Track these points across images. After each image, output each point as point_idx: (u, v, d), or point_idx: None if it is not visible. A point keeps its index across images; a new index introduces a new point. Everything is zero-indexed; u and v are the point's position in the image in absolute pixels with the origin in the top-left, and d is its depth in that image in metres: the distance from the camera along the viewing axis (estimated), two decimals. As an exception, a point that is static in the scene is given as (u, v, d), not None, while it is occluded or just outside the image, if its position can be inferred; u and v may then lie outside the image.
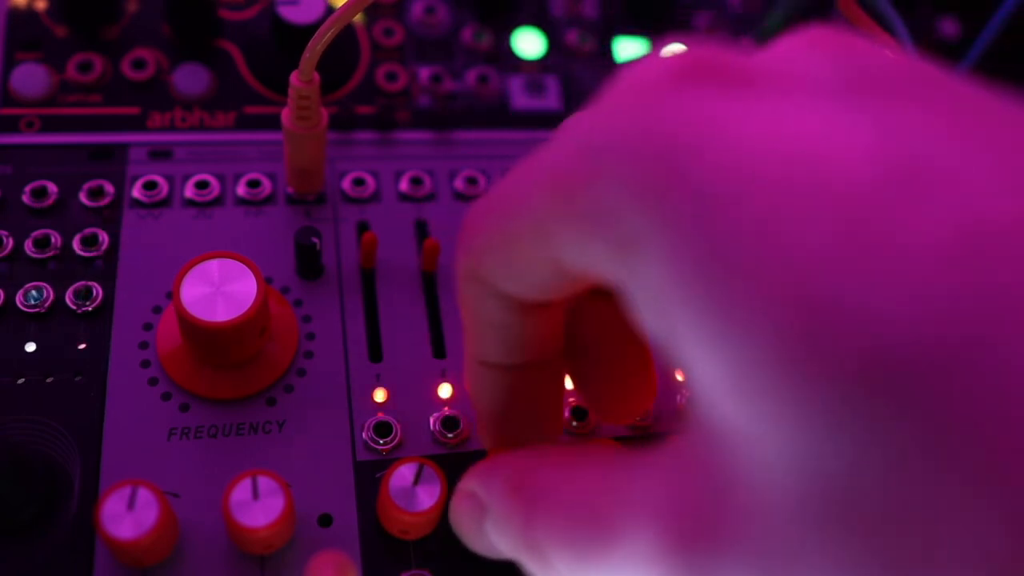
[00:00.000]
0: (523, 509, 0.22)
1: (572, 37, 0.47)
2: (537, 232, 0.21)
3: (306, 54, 0.31)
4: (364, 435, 0.32)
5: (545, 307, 0.24)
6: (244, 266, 0.31)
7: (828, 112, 0.16)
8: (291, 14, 0.39)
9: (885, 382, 0.14)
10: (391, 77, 0.43)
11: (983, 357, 0.13)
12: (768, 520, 0.15)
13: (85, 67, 0.40)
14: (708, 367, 0.16)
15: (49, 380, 0.32)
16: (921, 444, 0.13)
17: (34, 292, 0.33)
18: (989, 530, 0.13)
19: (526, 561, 0.23)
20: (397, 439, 0.33)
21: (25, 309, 0.33)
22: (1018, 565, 0.13)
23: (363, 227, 0.38)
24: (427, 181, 0.40)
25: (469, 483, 0.26)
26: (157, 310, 0.34)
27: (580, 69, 0.46)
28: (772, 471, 0.15)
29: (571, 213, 0.19)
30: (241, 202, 0.38)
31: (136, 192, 0.37)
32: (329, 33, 0.30)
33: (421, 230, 0.39)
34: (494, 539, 0.24)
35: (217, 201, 0.38)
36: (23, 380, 0.32)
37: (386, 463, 0.32)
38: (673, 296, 0.16)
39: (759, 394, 0.15)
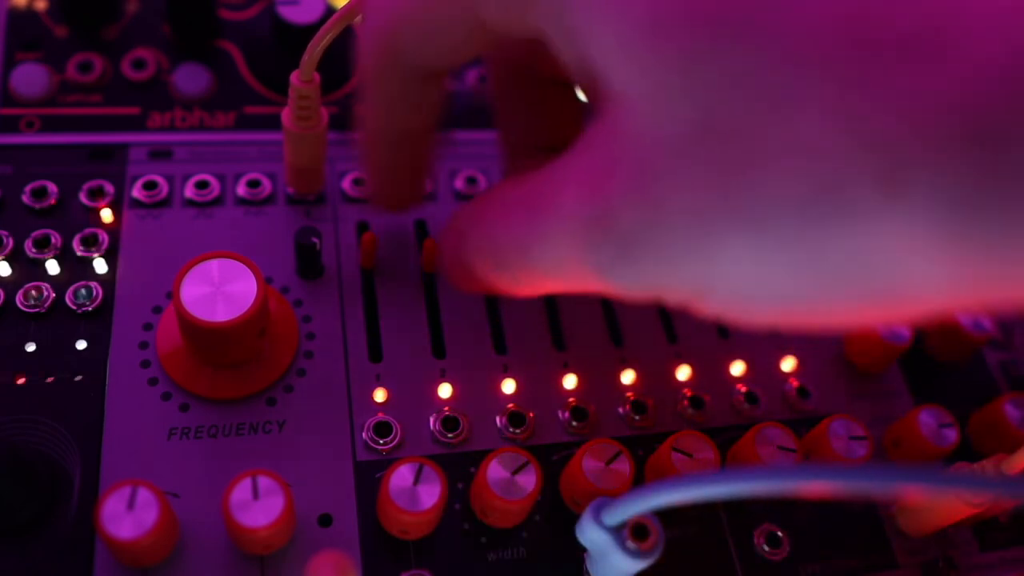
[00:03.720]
0: (493, 213, 0.27)
1: (572, 37, 0.47)
2: None
3: (307, 55, 0.31)
4: (364, 435, 0.32)
5: (440, 76, 0.30)
6: (244, 266, 0.31)
7: None
8: (291, 14, 0.39)
9: (722, 24, 0.18)
10: (391, 77, 0.43)
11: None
12: (646, 152, 0.20)
13: (85, 67, 0.40)
14: (606, 47, 0.21)
15: (49, 380, 0.32)
16: (753, 71, 0.18)
17: (34, 292, 0.33)
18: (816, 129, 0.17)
19: (493, 267, 0.27)
20: (397, 439, 0.33)
21: (25, 309, 0.33)
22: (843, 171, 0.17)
23: (363, 227, 0.38)
24: (427, 181, 0.40)
25: (454, 221, 0.30)
26: (157, 310, 0.34)
27: (580, 69, 0.46)
28: (649, 116, 0.20)
29: None
30: (241, 202, 0.38)
31: (136, 192, 0.37)
32: (330, 34, 0.30)
33: (421, 230, 0.39)
34: (470, 259, 0.28)
35: (217, 201, 0.38)
36: (23, 380, 0.32)
37: (386, 463, 0.32)
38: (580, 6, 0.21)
39: (641, 51, 0.20)
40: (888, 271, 0.18)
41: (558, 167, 0.23)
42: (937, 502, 0.32)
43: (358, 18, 0.30)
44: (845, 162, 0.17)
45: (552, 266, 0.24)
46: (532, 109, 0.33)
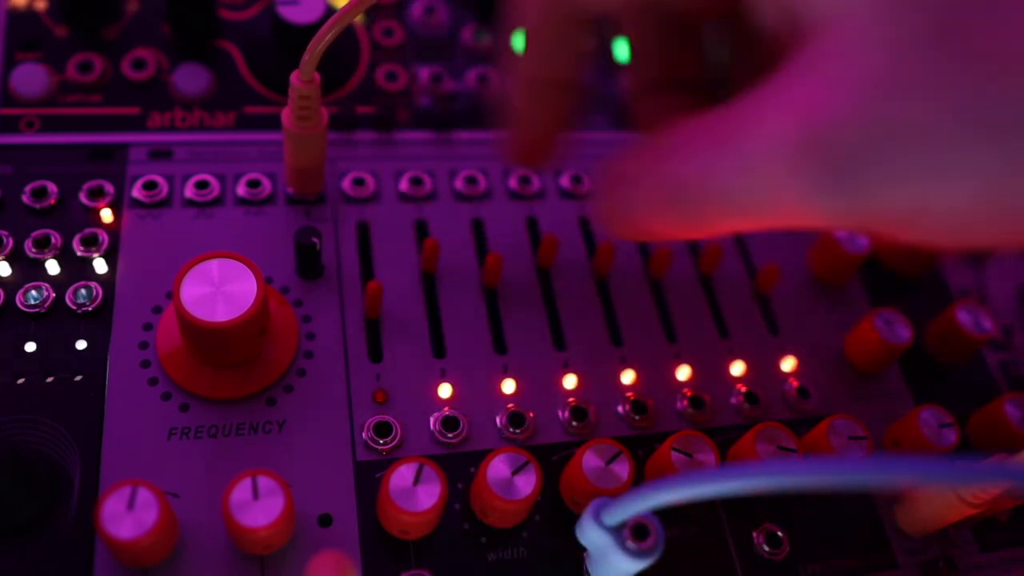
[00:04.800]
0: (670, 151, 0.25)
1: (572, 37, 0.47)
2: None
3: (307, 54, 0.31)
4: (364, 435, 0.32)
5: (592, 23, 0.30)
6: (244, 266, 0.31)
7: None
8: (291, 14, 0.39)
9: None
10: (391, 77, 0.43)
11: None
12: (874, 70, 0.19)
13: (85, 67, 0.40)
14: None
15: (49, 380, 0.32)
16: None
17: (34, 292, 0.33)
18: None
19: (670, 207, 0.26)
20: (397, 439, 0.33)
21: (25, 309, 0.33)
22: None
23: (363, 228, 0.38)
24: (427, 181, 0.40)
25: (615, 167, 0.29)
26: (157, 310, 0.34)
27: (580, 69, 0.46)
28: (872, 32, 0.19)
29: None
30: (241, 202, 0.38)
31: (136, 192, 0.37)
32: (331, 34, 0.30)
33: (421, 230, 0.39)
34: (640, 202, 0.27)
35: (217, 201, 0.38)
36: (23, 380, 0.32)
37: (386, 463, 0.32)
38: None
39: None
40: None
41: (757, 95, 0.23)
42: (937, 501, 0.32)
43: (358, 18, 0.30)
44: None
45: (749, 197, 0.23)
46: (677, 44, 0.32)
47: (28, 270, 0.34)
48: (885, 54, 0.19)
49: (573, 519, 0.28)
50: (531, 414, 0.34)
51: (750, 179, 0.23)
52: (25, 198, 0.36)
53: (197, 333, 0.30)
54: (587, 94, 0.35)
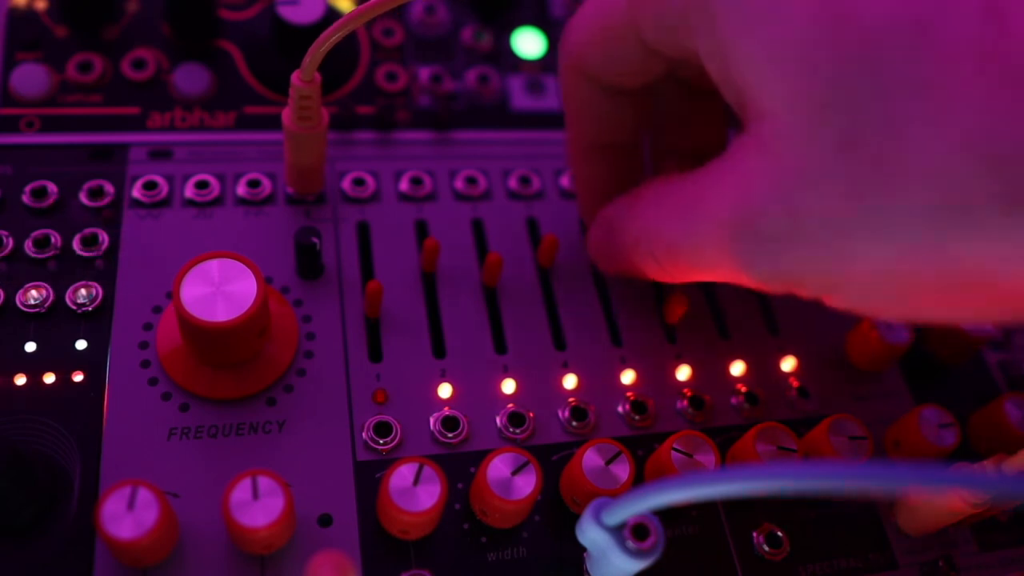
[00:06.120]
0: (632, 216, 0.31)
1: (572, 37, 0.47)
2: (627, 21, 0.29)
3: (309, 55, 0.31)
4: (364, 435, 0.32)
5: (632, 95, 0.33)
6: (244, 266, 0.31)
7: None
8: (291, 14, 0.39)
9: (864, 55, 0.21)
10: (391, 77, 0.43)
11: (931, 34, 0.20)
12: (789, 166, 0.23)
13: (85, 67, 0.40)
14: (755, 64, 0.23)
15: (49, 380, 0.32)
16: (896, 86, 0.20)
17: (34, 292, 0.33)
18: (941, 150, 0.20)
19: (636, 255, 0.31)
20: (397, 439, 0.33)
21: (25, 309, 0.33)
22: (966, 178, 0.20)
23: (363, 228, 0.38)
24: (427, 181, 0.40)
25: (604, 214, 0.34)
26: (157, 310, 0.34)
27: (580, 69, 0.46)
28: (793, 133, 0.22)
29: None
30: (241, 202, 0.38)
31: (136, 192, 0.37)
32: (337, 35, 0.29)
33: (421, 230, 0.39)
34: (614, 251, 0.33)
35: (217, 201, 0.38)
36: (23, 380, 0.32)
37: (386, 463, 0.32)
38: (731, 22, 0.23)
39: (790, 70, 0.22)
40: (1003, 272, 0.21)
41: (707, 174, 0.26)
42: (937, 502, 0.32)
43: (364, 22, 0.30)
44: (972, 182, 0.20)
45: (698, 258, 0.27)
46: (681, 118, 0.36)
47: (28, 270, 0.34)
48: (806, 152, 0.22)
49: (573, 519, 0.28)
50: (531, 414, 0.34)
51: (698, 245, 0.27)
52: (25, 198, 0.36)
53: (197, 333, 0.30)
54: (638, 156, 0.37)
